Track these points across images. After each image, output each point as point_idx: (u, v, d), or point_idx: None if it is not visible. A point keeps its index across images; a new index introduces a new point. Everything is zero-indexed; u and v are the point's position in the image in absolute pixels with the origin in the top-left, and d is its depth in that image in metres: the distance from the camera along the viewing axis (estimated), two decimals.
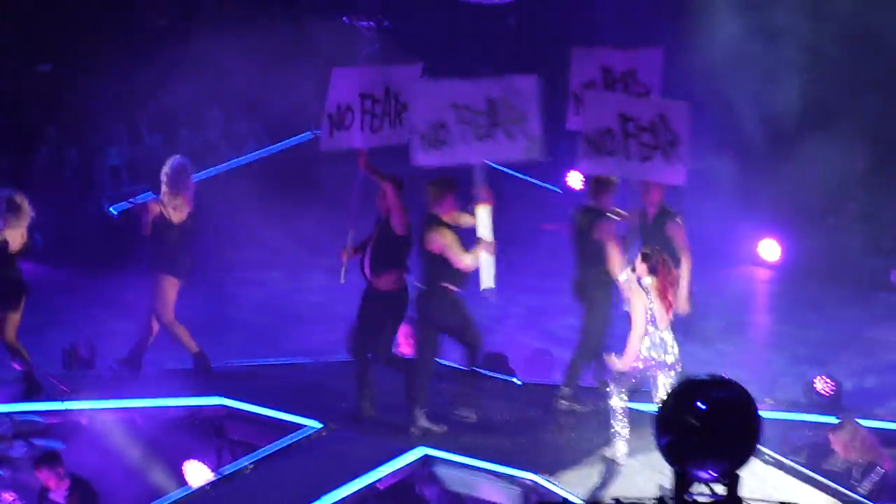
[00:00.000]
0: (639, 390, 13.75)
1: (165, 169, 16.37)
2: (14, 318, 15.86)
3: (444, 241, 14.15)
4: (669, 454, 7.77)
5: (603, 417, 14.38)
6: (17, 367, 15.98)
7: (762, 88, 21.41)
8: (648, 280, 13.35)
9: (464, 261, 14.09)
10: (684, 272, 14.38)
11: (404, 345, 15.99)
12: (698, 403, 7.67)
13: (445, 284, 14.19)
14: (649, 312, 13.33)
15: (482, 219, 14.38)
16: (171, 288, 16.13)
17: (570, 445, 13.93)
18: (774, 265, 20.88)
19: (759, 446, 7.81)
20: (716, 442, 7.73)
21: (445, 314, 14.23)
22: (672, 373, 13.36)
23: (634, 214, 14.82)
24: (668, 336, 13.44)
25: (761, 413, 7.71)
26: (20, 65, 23.83)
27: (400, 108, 15.04)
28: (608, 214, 14.43)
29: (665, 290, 13.36)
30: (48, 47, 24.00)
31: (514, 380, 15.85)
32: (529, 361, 16.82)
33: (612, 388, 13.63)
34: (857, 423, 14.72)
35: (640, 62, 15.39)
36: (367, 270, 14.35)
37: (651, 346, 13.36)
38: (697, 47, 20.40)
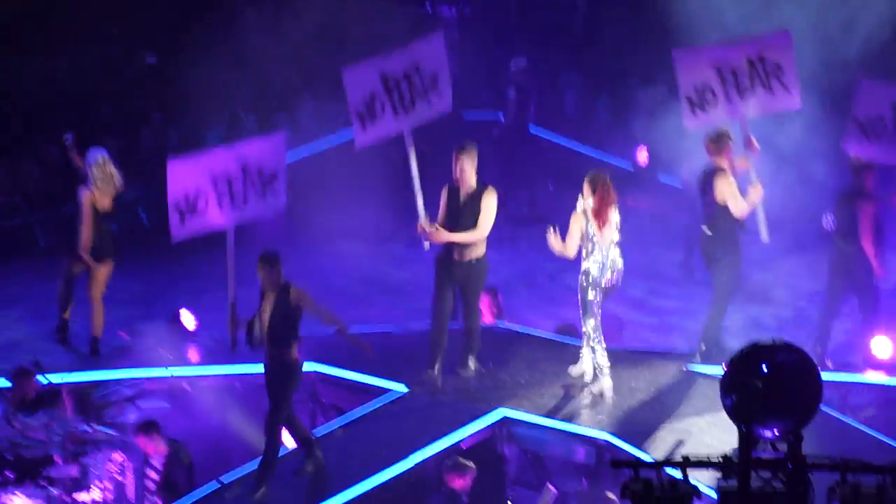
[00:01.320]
0: None
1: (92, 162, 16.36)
2: (101, 275, 15.98)
3: (728, 190, 14.41)
4: (735, 414, 7.71)
5: (675, 384, 14.38)
6: (123, 335, 16.08)
7: None
8: (589, 202, 13.59)
9: (742, 208, 14.43)
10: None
11: (486, 314, 15.94)
12: (763, 366, 7.63)
13: (731, 228, 14.56)
14: (588, 234, 13.68)
15: (750, 167, 14.82)
16: (108, 269, 16.28)
17: (641, 408, 13.79)
18: None
19: (820, 406, 7.68)
20: (779, 403, 7.67)
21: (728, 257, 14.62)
22: (611, 286, 13.92)
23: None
24: (614, 253, 13.77)
25: (823, 375, 7.68)
26: (128, 56, 23.96)
27: (428, 82, 14.95)
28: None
29: (599, 210, 13.60)
30: (153, 40, 24.13)
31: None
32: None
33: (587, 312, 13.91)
34: None
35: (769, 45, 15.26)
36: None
37: (601, 266, 13.69)
38: None
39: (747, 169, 14.71)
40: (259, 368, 14.84)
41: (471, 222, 14.10)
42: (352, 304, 17.76)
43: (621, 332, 16.50)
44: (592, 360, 13.99)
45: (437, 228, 14.21)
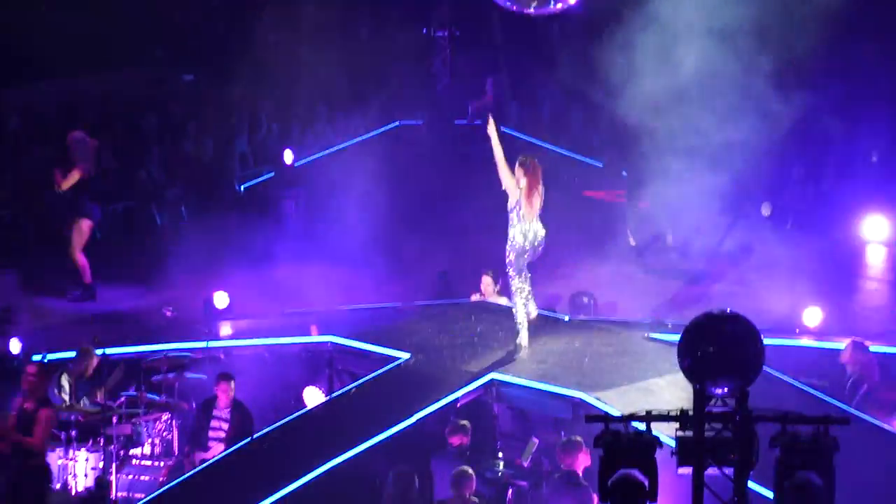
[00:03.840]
0: None
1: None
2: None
3: None
4: (690, 375, 7.71)
5: (639, 350, 14.41)
6: (167, 313, 16.09)
7: None
8: (523, 182, 13.59)
9: None
10: None
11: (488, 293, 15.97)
12: (713, 333, 7.64)
13: None
14: (519, 207, 13.65)
15: None
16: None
17: (610, 371, 13.79)
18: None
19: (763, 367, 7.71)
20: (728, 365, 7.66)
21: None
22: (534, 253, 13.87)
23: None
24: (536, 226, 13.76)
25: (767, 340, 7.69)
26: (169, 75, 23.93)
27: None
28: None
29: (530, 191, 13.59)
30: (191, 62, 24.08)
31: (565, 317, 15.67)
32: (572, 300, 16.60)
33: (511, 272, 13.97)
34: (858, 342, 14.61)
35: None
36: None
37: (525, 232, 13.68)
38: None
39: None
40: (281, 340, 14.99)
41: None
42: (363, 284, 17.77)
43: (593, 307, 16.54)
44: (523, 315, 14.08)
45: None
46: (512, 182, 13.68)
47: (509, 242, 13.80)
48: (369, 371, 14.23)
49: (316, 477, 12.57)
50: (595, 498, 11.67)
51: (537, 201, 13.73)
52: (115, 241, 19.39)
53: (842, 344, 14.76)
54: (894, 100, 22.26)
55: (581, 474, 11.91)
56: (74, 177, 17.04)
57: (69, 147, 17.21)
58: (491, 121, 14.15)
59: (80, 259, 17.25)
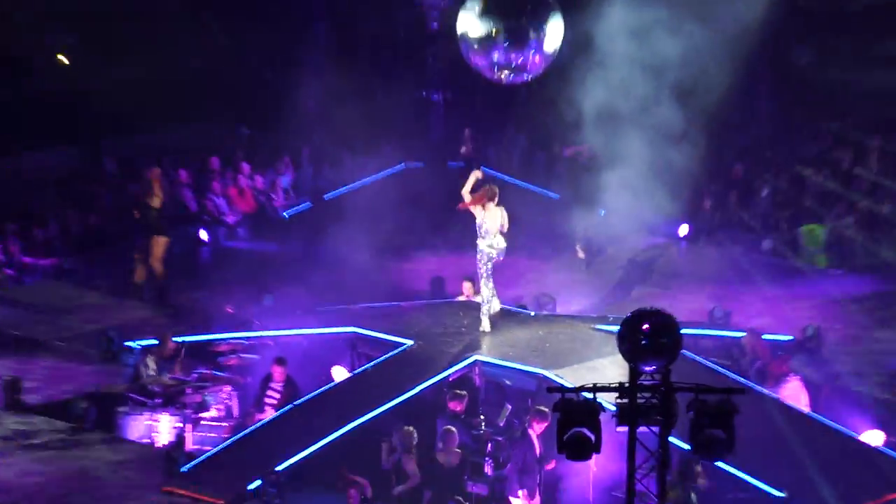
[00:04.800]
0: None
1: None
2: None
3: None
4: (627, 356, 7.76)
5: (588, 337, 14.41)
6: (229, 310, 16.05)
7: None
8: (491, 205, 13.66)
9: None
10: None
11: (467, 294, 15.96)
12: (644, 325, 7.68)
13: None
14: (483, 226, 13.74)
15: None
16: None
17: (566, 354, 13.76)
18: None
19: (681, 351, 7.75)
20: (654, 349, 7.70)
21: None
22: (497, 260, 13.86)
23: None
24: (499, 239, 13.77)
25: (683, 330, 7.71)
26: (230, 128, 23.80)
27: None
28: None
29: (489, 213, 13.65)
30: (243, 117, 23.98)
31: (531, 313, 15.68)
32: (537, 299, 16.59)
33: (482, 272, 13.97)
34: (754, 331, 14.64)
35: None
36: None
37: (490, 244, 13.74)
38: None
39: None
40: (315, 330, 14.97)
41: None
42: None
43: (553, 305, 16.56)
44: (487, 308, 14.14)
45: None
46: (476, 208, 13.73)
47: (478, 252, 13.85)
48: (382, 353, 14.21)
49: (343, 433, 12.60)
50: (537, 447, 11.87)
51: (496, 221, 13.72)
52: (187, 255, 19.26)
53: (741, 333, 14.83)
54: (787, 145, 22.29)
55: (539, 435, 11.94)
56: (156, 203, 16.94)
57: (150, 181, 17.03)
58: (476, 171, 14.18)
59: (158, 267, 17.09)
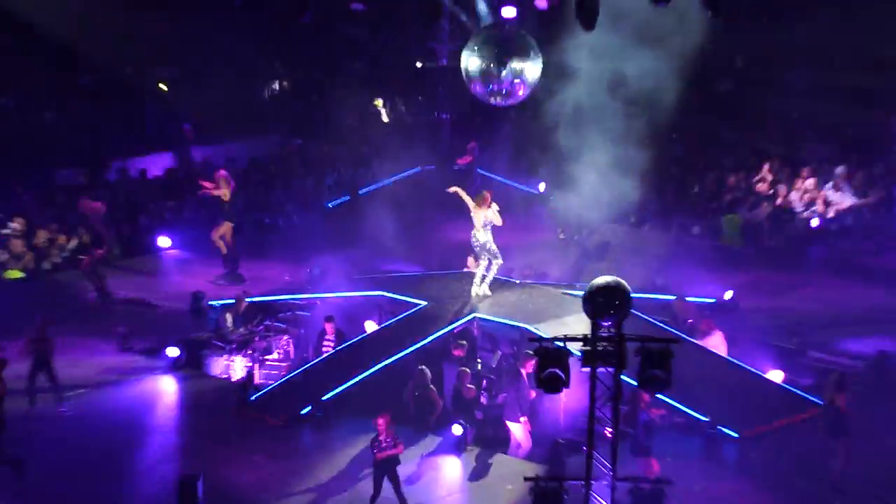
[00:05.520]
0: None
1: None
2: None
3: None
4: (589, 314, 7.79)
5: (560, 300, 14.13)
6: (286, 277, 15.99)
7: None
8: (480, 209, 13.21)
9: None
10: None
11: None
12: (602, 290, 7.70)
13: None
14: (472, 220, 13.31)
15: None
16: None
17: (543, 312, 13.61)
18: None
19: (631, 310, 7.78)
20: (610, 308, 7.73)
21: None
22: (485, 253, 13.40)
23: None
24: (479, 234, 13.26)
25: (633, 295, 7.74)
26: (287, 140, 23.74)
27: None
28: None
29: (476, 213, 13.16)
30: (300, 132, 23.88)
31: (517, 281, 15.58)
32: (521, 271, 16.32)
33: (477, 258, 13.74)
34: (683, 296, 14.59)
35: None
36: None
37: (474, 235, 13.32)
38: None
39: None
40: (353, 293, 14.78)
41: None
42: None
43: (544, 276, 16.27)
44: (482, 282, 13.87)
45: None
46: (470, 206, 13.39)
47: (473, 240, 13.51)
48: (403, 311, 14.10)
49: (373, 372, 12.64)
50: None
51: (479, 220, 13.30)
52: (253, 238, 19.05)
53: (674, 297, 14.81)
54: (713, 152, 22.00)
55: (528, 373, 11.83)
56: (226, 196, 16.62)
57: (218, 179, 16.62)
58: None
59: (225, 243, 16.70)
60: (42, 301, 14.94)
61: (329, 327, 13.88)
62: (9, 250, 16.47)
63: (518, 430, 11.86)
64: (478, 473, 11.37)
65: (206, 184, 16.60)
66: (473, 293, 13.82)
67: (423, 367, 12.46)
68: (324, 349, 13.77)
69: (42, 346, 12.33)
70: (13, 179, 18.21)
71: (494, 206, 13.29)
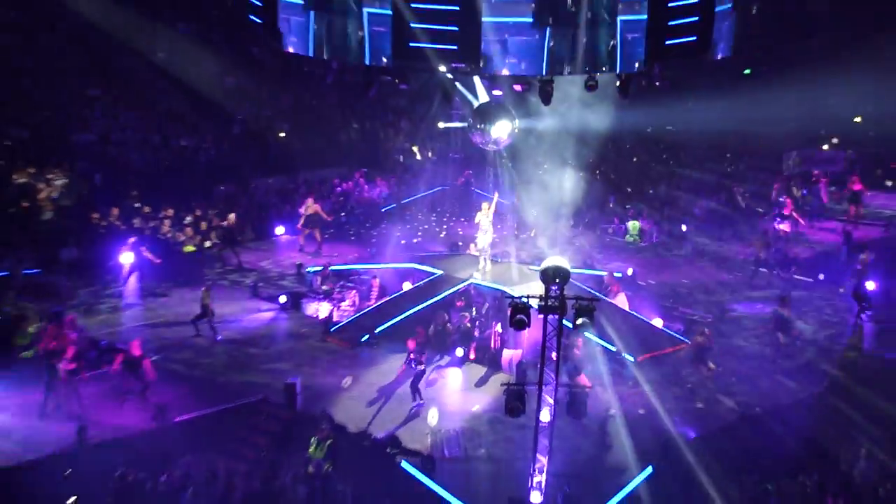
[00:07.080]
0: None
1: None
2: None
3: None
4: (543, 281, 7.67)
5: (526, 273, 13.39)
6: (354, 254, 15.69)
7: None
8: (480, 216, 12.66)
9: None
10: None
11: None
12: (551, 267, 7.58)
13: None
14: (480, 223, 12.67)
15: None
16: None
17: (514, 280, 13.02)
18: None
19: (570, 279, 7.70)
20: (557, 277, 7.60)
21: None
22: (486, 252, 12.70)
23: None
24: (479, 239, 12.79)
25: (572, 270, 7.63)
26: (354, 168, 23.07)
27: None
28: None
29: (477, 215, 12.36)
30: (363, 163, 23.11)
31: (499, 259, 15.16)
32: (502, 254, 15.83)
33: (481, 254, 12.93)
34: (611, 272, 14.11)
35: None
36: None
37: (482, 238, 12.93)
38: None
39: None
40: (395, 265, 14.38)
41: None
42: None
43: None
44: (484, 262, 13.38)
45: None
46: (485, 211, 13.05)
47: (478, 240, 13.14)
48: (426, 277, 13.81)
49: (407, 315, 12.51)
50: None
51: (480, 221, 12.98)
52: (335, 228, 18.38)
53: (603, 272, 14.35)
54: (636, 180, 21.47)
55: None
56: (316, 209, 16.45)
57: (306, 204, 16.50)
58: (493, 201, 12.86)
59: (318, 235, 16.41)
60: (205, 266, 15.09)
61: (375, 283, 13.72)
62: (185, 234, 16.59)
63: (508, 354, 11.80)
64: (473, 381, 11.49)
65: (301, 209, 16.38)
66: (479, 267, 13.39)
67: (442, 311, 12.44)
68: (372, 297, 13.54)
69: (205, 301, 12.44)
70: (190, 192, 18.29)
71: (492, 210, 13.11)
